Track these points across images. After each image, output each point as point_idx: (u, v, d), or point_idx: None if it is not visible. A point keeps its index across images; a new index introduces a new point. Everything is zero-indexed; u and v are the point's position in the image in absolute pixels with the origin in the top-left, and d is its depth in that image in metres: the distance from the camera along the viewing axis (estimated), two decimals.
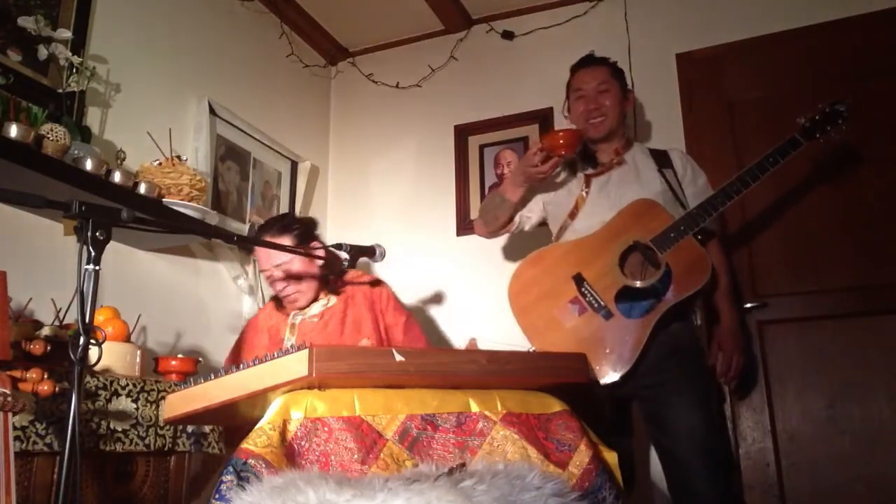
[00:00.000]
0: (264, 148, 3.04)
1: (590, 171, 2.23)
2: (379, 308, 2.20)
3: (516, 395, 1.55)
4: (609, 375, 1.90)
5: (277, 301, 2.22)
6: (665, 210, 2.02)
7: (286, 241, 2.09)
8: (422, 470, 1.28)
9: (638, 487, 2.21)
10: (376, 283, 2.26)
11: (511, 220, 2.30)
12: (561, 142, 2.03)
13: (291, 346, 1.38)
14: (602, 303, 1.97)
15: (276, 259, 2.10)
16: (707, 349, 2.21)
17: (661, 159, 2.22)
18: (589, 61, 2.30)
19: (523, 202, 2.27)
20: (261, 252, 2.16)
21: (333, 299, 2.18)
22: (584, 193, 2.20)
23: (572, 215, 2.20)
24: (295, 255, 2.09)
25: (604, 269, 2.00)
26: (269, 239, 2.09)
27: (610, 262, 2.00)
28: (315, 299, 2.17)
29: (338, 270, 2.21)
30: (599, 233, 2.07)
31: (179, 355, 2.09)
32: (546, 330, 2.00)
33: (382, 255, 2.09)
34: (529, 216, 2.31)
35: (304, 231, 2.18)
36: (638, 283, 1.96)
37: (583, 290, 2.00)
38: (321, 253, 2.11)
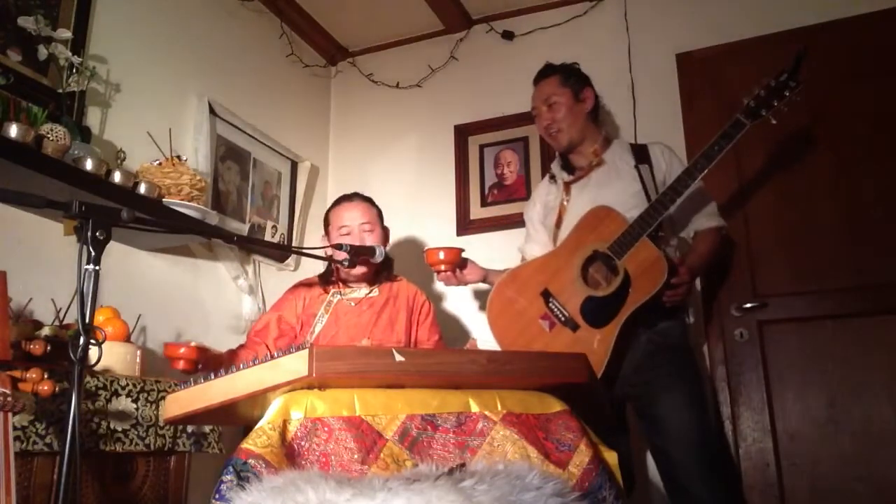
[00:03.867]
0: (264, 148, 3.04)
1: (567, 178, 2.25)
2: (416, 317, 2.25)
3: (516, 395, 1.55)
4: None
5: (324, 278, 2.22)
6: (620, 215, 2.00)
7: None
8: (422, 470, 1.28)
9: (638, 488, 2.20)
10: (422, 295, 2.30)
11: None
12: (441, 257, 2.22)
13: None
14: (568, 315, 1.99)
15: (365, 217, 2.19)
16: (693, 348, 2.20)
17: (640, 154, 2.20)
18: (537, 78, 2.32)
19: (483, 276, 2.32)
20: (351, 209, 2.21)
21: (377, 291, 2.21)
22: (564, 202, 2.22)
23: (557, 224, 2.23)
24: (376, 224, 2.22)
25: (567, 282, 2.02)
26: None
27: (573, 273, 2.02)
28: (364, 282, 2.20)
29: (391, 269, 2.28)
30: (563, 245, 2.10)
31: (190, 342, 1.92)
32: (523, 349, 2.01)
33: (382, 255, 2.10)
34: (537, 242, 2.34)
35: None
36: (598, 293, 1.97)
37: (550, 304, 2.03)
38: (320, 253, 2.11)
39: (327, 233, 2.27)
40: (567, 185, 2.24)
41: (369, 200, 2.29)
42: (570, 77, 2.26)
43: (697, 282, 2.53)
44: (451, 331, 3.01)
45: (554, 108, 2.22)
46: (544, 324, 2.01)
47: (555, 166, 2.33)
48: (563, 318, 1.99)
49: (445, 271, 2.24)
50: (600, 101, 2.35)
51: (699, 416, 1.97)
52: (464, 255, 2.29)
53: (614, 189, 2.11)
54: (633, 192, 2.10)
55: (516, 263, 2.56)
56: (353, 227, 2.19)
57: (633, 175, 2.14)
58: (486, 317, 2.12)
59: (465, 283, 2.35)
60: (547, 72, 2.30)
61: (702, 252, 2.16)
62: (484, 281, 2.34)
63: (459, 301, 3.05)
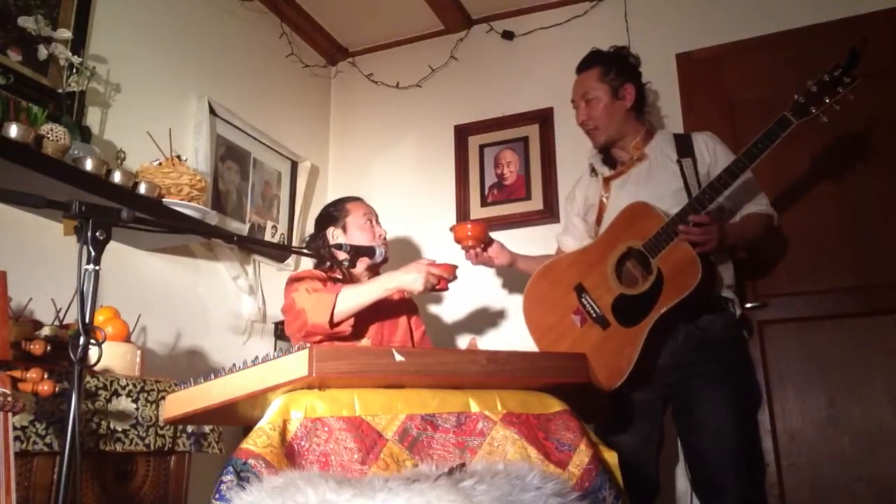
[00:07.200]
0: (264, 148, 3.04)
1: (608, 173, 2.20)
2: (408, 307, 2.27)
3: (516, 395, 1.55)
4: (609, 385, 1.88)
5: (337, 276, 2.19)
6: (658, 211, 1.95)
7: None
8: (422, 470, 1.28)
9: (662, 493, 2.15)
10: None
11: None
12: (469, 233, 2.17)
13: None
14: (599, 312, 1.97)
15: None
16: (744, 342, 2.15)
17: (683, 147, 2.10)
18: (579, 68, 2.24)
19: (512, 261, 2.29)
20: (365, 202, 2.31)
21: None
22: (604, 199, 2.17)
23: (598, 221, 2.17)
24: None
25: (601, 278, 1.99)
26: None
27: (608, 269, 1.99)
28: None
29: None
30: (599, 240, 2.06)
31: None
32: (554, 343, 2.01)
33: (381, 255, 2.10)
34: (573, 235, 2.31)
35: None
36: (630, 291, 1.95)
37: (583, 299, 2.01)
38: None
39: (342, 224, 2.23)
40: (606, 181, 2.18)
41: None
42: (612, 71, 2.15)
43: None
44: (450, 331, 3.01)
45: (591, 105, 2.14)
46: (576, 319, 2.00)
47: (594, 160, 2.26)
48: (594, 315, 1.97)
49: (473, 247, 2.18)
50: (647, 92, 2.25)
51: (740, 416, 1.91)
52: (463, 253, 2.25)
53: (653, 186, 2.04)
54: (673, 190, 2.02)
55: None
56: (373, 218, 2.26)
57: (673, 170, 2.06)
58: (522, 307, 2.13)
59: (492, 265, 2.28)
60: (589, 62, 2.20)
61: (744, 226, 2.07)
62: (512, 266, 2.28)
63: (458, 302, 3.05)
